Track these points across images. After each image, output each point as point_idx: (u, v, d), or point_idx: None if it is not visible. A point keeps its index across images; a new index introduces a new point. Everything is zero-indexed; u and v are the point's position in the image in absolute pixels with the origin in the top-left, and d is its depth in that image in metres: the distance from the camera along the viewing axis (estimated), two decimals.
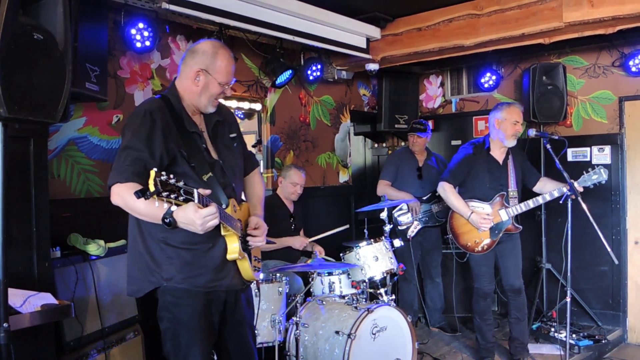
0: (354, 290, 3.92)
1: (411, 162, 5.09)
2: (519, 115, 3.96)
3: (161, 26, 3.95)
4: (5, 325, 1.90)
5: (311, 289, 3.95)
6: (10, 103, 1.84)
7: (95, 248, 3.16)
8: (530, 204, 3.95)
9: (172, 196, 1.83)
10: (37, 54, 1.96)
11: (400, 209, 4.95)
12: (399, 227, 4.92)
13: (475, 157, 4.04)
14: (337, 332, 3.41)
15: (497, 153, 4.06)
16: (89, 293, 3.06)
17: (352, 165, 6.14)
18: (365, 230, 4.37)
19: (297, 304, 3.48)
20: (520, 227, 4.06)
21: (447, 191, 4.04)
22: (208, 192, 2.02)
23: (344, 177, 5.95)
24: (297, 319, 3.44)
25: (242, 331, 2.51)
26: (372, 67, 5.02)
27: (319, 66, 5.00)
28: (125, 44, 3.72)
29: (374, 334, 3.47)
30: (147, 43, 3.68)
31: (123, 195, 2.11)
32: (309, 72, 4.95)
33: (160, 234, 2.25)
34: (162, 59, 4.08)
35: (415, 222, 4.90)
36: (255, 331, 2.74)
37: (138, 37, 3.64)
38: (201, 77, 2.31)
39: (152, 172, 1.78)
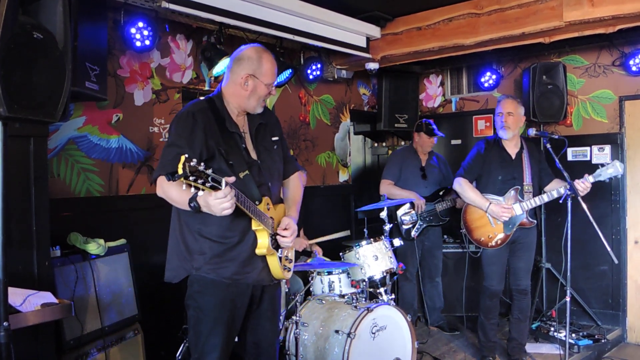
0: (353, 290, 3.93)
1: (414, 162, 5.08)
2: (504, 106, 3.98)
3: (161, 25, 3.95)
4: (5, 324, 1.90)
5: (311, 288, 3.95)
6: (10, 102, 1.84)
7: (95, 247, 3.16)
8: (545, 198, 3.91)
9: (199, 181, 1.94)
10: (36, 53, 1.96)
11: (404, 208, 4.95)
12: (403, 226, 4.92)
13: (487, 153, 4.05)
14: (336, 332, 3.41)
15: (509, 147, 4.06)
16: (88, 292, 3.07)
17: (352, 165, 6.14)
18: (365, 230, 4.37)
19: (297, 303, 3.49)
20: (535, 221, 4.03)
21: (463, 185, 4.03)
22: (232, 179, 2.11)
23: (343, 176, 5.96)
24: (297, 318, 3.45)
25: (264, 325, 2.59)
26: (372, 66, 5.02)
27: (318, 65, 5.00)
28: (125, 43, 3.72)
29: (374, 333, 3.47)
30: (147, 42, 3.68)
31: (163, 186, 2.29)
32: (308, 71, 4.95)
33: (196, 226, 2.39)
34: (161, 58, 4.08)
35: (419, 222, 4.90)
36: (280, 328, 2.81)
37: (138, 36, 3.64)
38: (249, 82, 2.46)
39: (182, 157, 1.89)
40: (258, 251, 2.43)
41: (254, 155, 2.53)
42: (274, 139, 2.67)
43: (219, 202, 2.09)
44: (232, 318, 2.43)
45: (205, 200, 2.10)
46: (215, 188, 2.01)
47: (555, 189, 3.92)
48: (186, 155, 1.90)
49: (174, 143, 2.34)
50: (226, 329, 2.40)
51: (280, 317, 3.53)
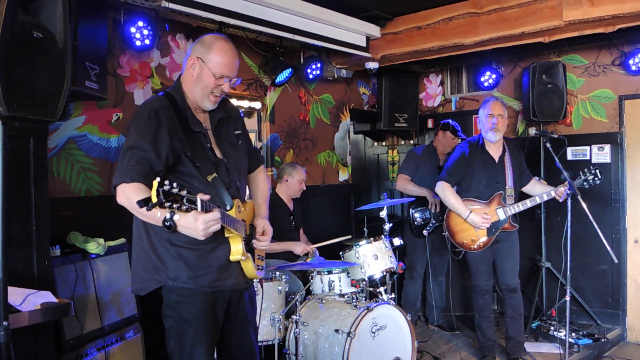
0: (353, 289, 3.92)
1: (433, 160, 5.08)
2: (492, 108, 3.99)
3: (161, 25, 3.95)
4: (5, 323, 1.90)
5: (310, 288, 3.95)
6: (10, 101, 1.84)
7: (94, 246, 3.16)
8: (528, 203, 3.96)
9: (174, 206, 1.82)
10: (36, 52, 1.96)
11: (418, 206, 4.96)
12: (415, 224, 4.93)
13: (470, 156, 4.05)
14: (336, 331, 3.41)
15: (492, 149, 4.06)
16: (88, 291, 3.07)
17: (352, 164, 6.14)
18: (365, 229, 4.37)
19: (297, 303, 3.49)
20: (517, 225, 4.06)
21: (445, 190, 4.03)
22: (207, 197, 1.99)
23: (343, 175, 5.95)
24: (297, 318, 3.44)
25: (245, 329, 2.53)
26: (372, 65, 5.02)
27: (318, 65, 5.00)
28: (125, 43, 3.72)
29: (374, 333, 3.47)
30: (147, 41, 3.68)
31: (128, 195, 2.10)
32: (308, 70, 4.95)
33: (165, 234, 2.23)
34: (161, 57, 4.08)
35: (432, 220, 4.91)
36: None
37: (138, 35, 3.64)
38: (196, 65, 2.30)
39: (155, 183, 1.75)
40: (233, 258, 2.33)
41: (219, 154, 2.38)
42: (237, 132, 2.51)
43: (210, 224, 1.99)
44: (214, 324, 2.36)
45: (189, 222, 1.98)
46: (191, 209, 1.89)
47: (539, 194, 3.96)
48: (158, 180, 1.75)
49: (135, 146, 2.14)
50: (209, 336, 2.33)
51: (280, 316, 3.54)
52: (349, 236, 4.59)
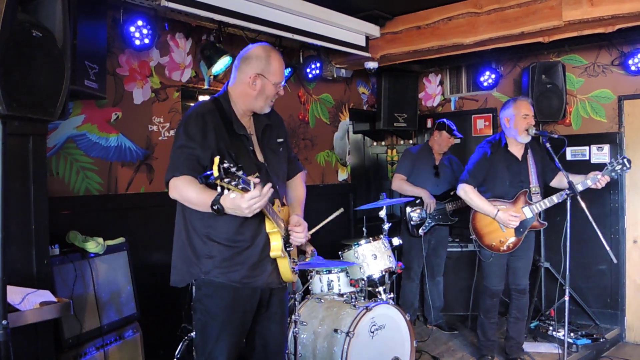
0: (352, 289, 3.92)
1: (428, 160, 5.07)
2: (527, 108, 3.90)
3: (160, 24, 3.95)
4: (4, 322, 1.90)
5: (309, 287, 3.95)
6: (9, 100, 1.84)
7: (93, 246, 3.16)
8: (555, 199, 3.86)
9: (232, 183, 1.93)
10: (36, 51, 1.96)
11: (414, 206, 4.96)
12: (411, 223, 4.93)
13: (493, 156, 3.97)
14: (335, 330, 3.41)
15: (515, 149, 3.99)
16: (87, 290, 3.07)
17: (351, 164, 6.14)
18: (364, 229, 4.37)
19: (296, 302, 3.49)
20: (545, 223, 4.02)
21: (468, 193, 3.94)
22: (259, 180, 2.08)
23: (342, 175, 5.95)
24: (296, 317, 3.44)
25: (272, 328, 2.57)
26: (372, 65, 5.02)
27: (318, 64, 5.00)
28: (124, 42, 3.72)
29: (373, 332, 3.48)
30: (146, 41, 3.68)
31: (178, 187, 2.26)
32: (308, 70, 4.95)
33: (205, 229, 2.36)
34: (161, 56, 4.08)
35: (428, 220, 4.91)
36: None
37: (137, 34, 3.64)
38: (257, 81, 2.43)
39: (216, 159, 1.88)
40: (272, 254, 2.40)
41: (260, 158, 2.50)
42: (279, 140, 2.64)
43: (253, 202, 2.05)
44: (241, 322, 2.42)
45: (234, 202, 2.06)
46: (245, 190, 1.98)
47: (564, 192, 3.79)
48: (219, 157, 1.89)
49: (185, 145, 2.30)
50: (234, 332, 2.39)
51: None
52: (341, 209, 4.54)
